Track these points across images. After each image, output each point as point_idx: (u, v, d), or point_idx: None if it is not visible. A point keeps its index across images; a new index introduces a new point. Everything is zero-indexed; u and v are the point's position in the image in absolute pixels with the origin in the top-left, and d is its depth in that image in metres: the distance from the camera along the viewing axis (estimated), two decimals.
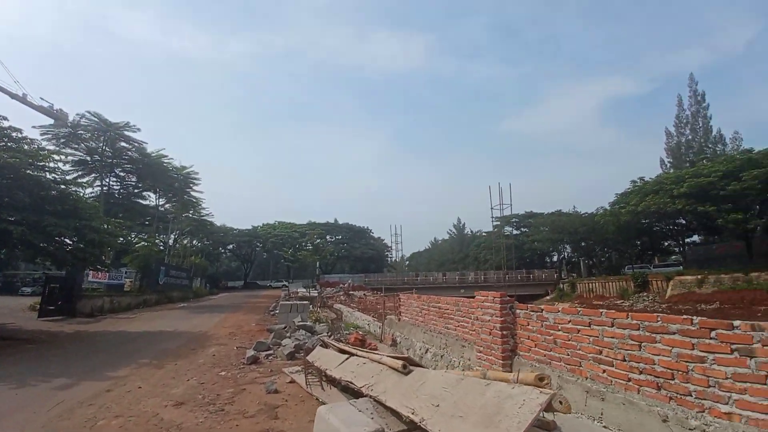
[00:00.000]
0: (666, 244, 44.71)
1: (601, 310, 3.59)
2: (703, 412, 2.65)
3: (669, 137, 52.82)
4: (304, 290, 30.52)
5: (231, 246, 67.73)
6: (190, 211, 40.22)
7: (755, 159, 27.01)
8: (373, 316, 14.36)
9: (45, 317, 16.49)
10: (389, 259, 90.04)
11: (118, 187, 30.91)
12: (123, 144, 27.99)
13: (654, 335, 3.06)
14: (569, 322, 3.99)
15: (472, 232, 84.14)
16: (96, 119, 27.09)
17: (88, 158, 27.80)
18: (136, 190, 32.83)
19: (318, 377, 6.01)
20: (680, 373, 2.84)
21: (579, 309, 3.90)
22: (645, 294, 31.83)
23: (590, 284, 38.08)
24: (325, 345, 8.21)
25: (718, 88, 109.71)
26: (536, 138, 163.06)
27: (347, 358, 5.34)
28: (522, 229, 61.74)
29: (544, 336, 4.35)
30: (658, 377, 3.01)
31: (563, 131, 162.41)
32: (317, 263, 66.97)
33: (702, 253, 35.26)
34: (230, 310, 21.97)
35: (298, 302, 13.59)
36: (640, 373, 3.16)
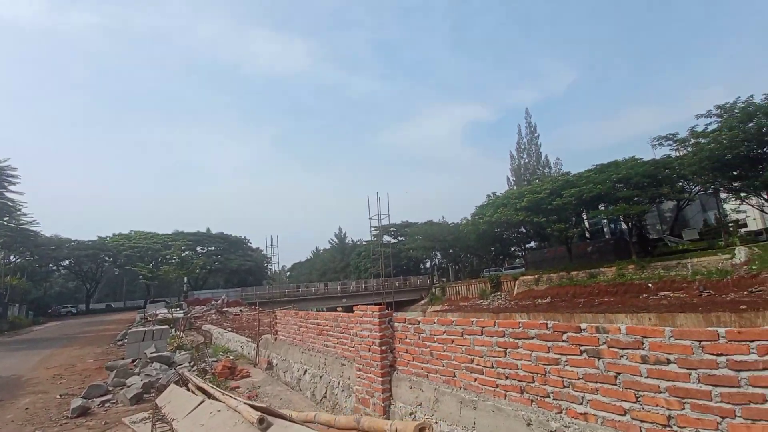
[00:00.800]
0: (513, 249, 53.08)
1: (472, 320, 3.70)
2: (561, 413, 2.86)
3: (512, 159, 63.58)
4: (165, 311, 26.26)
5: (67, 262, 54.54)
6: (5, 218, 30.43)
7: (572, 180, 34.09)
8: (248, 336, 13.08)
9: None
10: (269, 270, 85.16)
11: None
12: None
13: (517, 341, 3.24)
14: (444, 333, 4.04)
15: (353, 241, 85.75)
16: None
17: None
18: None
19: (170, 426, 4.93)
20: (539, 375, 3.04)
21: (453, 319, 3.98)
22: (499, 293, 36.87)
23: (457, 287, 42.45)
24: (183, 380, 6.95)
25: (546, 121, 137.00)
26: (411, 151, 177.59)
27: (201, 402, 4.47)
28: (399, 238, 65.62)
29: (421, 348, 4.33)
30: (521, 381, 3.19)
31: (434, 146, 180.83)
32: (185, 279, 59.00)
33: (537, 256, 42.73)
34: (60, 343, 17.44)
35: (155, 328, 11.38)
36: (506, 378, 3.32)
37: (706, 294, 21.71)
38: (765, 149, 23.76)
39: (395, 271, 59.91)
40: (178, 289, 54.83)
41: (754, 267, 21.42)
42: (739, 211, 27.93)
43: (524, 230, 43.04)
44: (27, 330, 26.76)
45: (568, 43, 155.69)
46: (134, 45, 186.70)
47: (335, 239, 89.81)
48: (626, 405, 2.50)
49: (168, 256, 53.69)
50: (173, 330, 17.57)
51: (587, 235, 40.99)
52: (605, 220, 40.19)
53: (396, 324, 4.79)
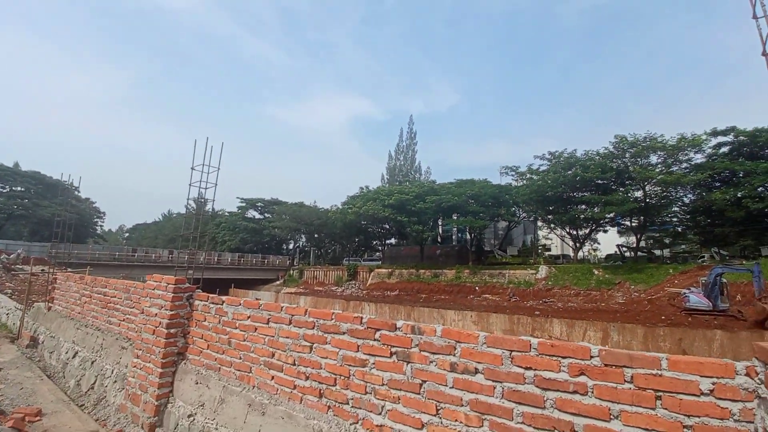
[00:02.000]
0: (374, 243, 55.66)
1: (282, 305, 2.97)
2: (357, 423, 2.36)
3: (390, 159, 66.65)
4: None
5: None
6: None
7: (435, 188, 37.28)
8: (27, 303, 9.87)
9: None
10: (100, 227, 69.97)
11: None
12: None
13: (326, 335, 2.65)
14: (248, 318, 3.22)
15: (213, 210, 77.47)
16: None
17: None
18: None
19: None
20: (342, 378, 2.50)
21: (261, 302, 3.19)
22: (354, 282, 37.89)
23: (315, 272, 42.06)
24: None
25: (427, 132, 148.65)
26: (296, 131, 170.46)
27: None
28: (265, 214, 61.93)
29: (220, 335, 3.42)
30: (322, 383, 2.61)
31: (320, 132, 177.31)
32: None
33: (394, 252, 45.61)
34: None
35: None
36: (307, 379, 2.70)
37: (514, 300, 26.26)
38: (574, 194, 30.02)
39: (255, 248, 56.31)
40: None
41: (549, 282, 26.82)
42: (548, 238, 34.84)
43: (387, 227, 45.39)
44: None
45: (456, 70, 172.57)
46: None
47: (193, 204, 79.63)
48: (425, 418, 2.12)
49: None
50: None
51: (439, 239, 45.56)
52: (455, 229, 45.31)
53: (197, 302, 3.74)
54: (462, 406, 2.00)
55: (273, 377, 2.91)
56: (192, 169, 8.14)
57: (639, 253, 30.71)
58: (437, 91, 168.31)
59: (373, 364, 2.37)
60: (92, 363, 5.12)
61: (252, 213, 63.72)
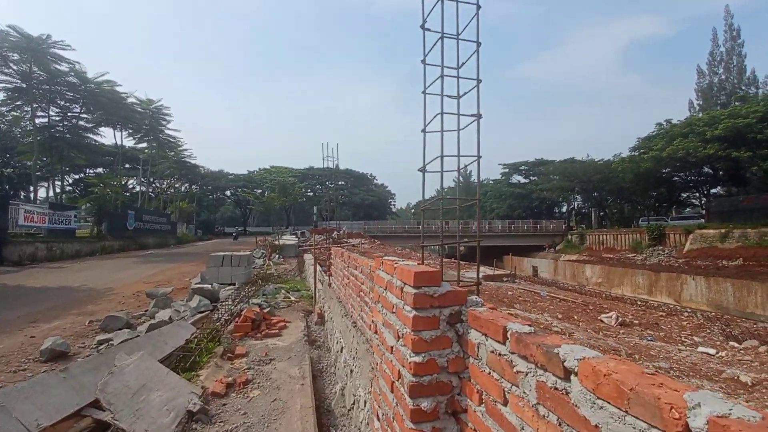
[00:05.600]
0: (685, 196, 41.41)
1: None
2: None
3: (701, 76, 47.26)
4: (291, 237, 28.57)
5: (228, 191, 65.90)
6: (171, 152, 37.03)
7: None
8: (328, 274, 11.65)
9: None
10: (392, 206, 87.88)
11: (59, 119, 25.50)
12: (57, 66, 22.53)
13: None
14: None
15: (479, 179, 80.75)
16: (18, 35, 21.14)
17: (24, 85, 22.33)
18: (86, 124, 27.82)
19: None
20: None
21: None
22: (660, 248, 29.34)
23: (601, 236, 35.59)
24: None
25: (748, 30, 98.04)
26: (553, 84, 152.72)
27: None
28: (531, 177, 58.33)
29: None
30: None
31: (582, 77, 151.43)
32: (314, 209, 65.36)
33: (727, 205, 32.02)
34: (191, 258, 19.87)
35: (234, 254, 10.93)
36: None
37: None
38: None
39: (524, 213, 54.21)
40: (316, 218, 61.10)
41: None
42: None
43: (708, 170, 32.31)
44: (190, 244, 32.51)
45: None
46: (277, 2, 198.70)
47: (460, 178, 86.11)
48: None
49: (304, 189, 59.21)
50: (260, 258, 17.91)
51: None
52: None
53: (472, 332, 1.56)
54: None
55: None
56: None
57: None
58: None
59: None
60: (350, 373, 4.11)
61: (516, 178, 61.67)
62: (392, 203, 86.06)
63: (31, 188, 24.91)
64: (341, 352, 4.92)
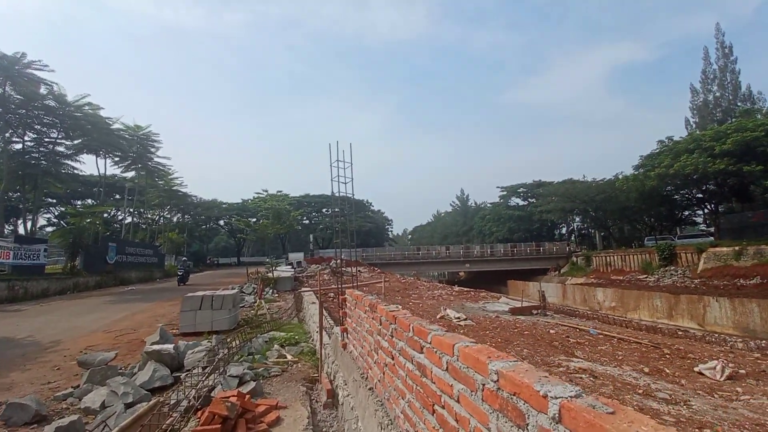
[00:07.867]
0: (686, 214, 40.46)
1: None
2: None
3: (695, 95, 47.62)
4: (286, 268, 26.82)
5: (222, 221, 64.19)
6: (161, 181, 35.57)
7: None
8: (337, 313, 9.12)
9: None
10: (390, 232, 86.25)
11: (33, 144, 23.64)
12: (33, 89, 20.84)
13: None
14: None
15: (476, 203, 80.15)
16: None
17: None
18: (65, 150, 26.09)
19: None
20: None
21: None
22: (672, 268, 28.02)
23: (607, 257, 34.28)
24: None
25: (741, 45, 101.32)
26: (541, 108, 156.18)
27: None
28: (530, 199, 57.54)
29: None
30: None
31: (569, 101, 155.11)
32: (311, 237, 63.65)
33: (737, 221, 31.08)
34: (173, 295, 17.50)
35: (216, 294, 8.78)
36: None
37: None
38: None
39: (525, 236, 52.98)
40: (311, 246, 59.34)
41: None
42: None
43: (713, 186, 31.52)
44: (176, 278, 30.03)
45: None
46: (271, 34, 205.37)
47: (457, 202, 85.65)
48: None
49: (300, 217, 57.76)
50: (251, 294, 16.23)
51: None
52: None
53: None
54: None
55: None
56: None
57: None
58: None
59: None
60: None
61: (515, 201, 60.87)
62: (389, 229, 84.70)
63: None
64: None
